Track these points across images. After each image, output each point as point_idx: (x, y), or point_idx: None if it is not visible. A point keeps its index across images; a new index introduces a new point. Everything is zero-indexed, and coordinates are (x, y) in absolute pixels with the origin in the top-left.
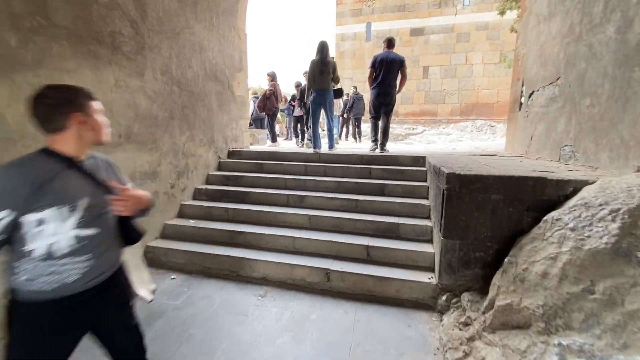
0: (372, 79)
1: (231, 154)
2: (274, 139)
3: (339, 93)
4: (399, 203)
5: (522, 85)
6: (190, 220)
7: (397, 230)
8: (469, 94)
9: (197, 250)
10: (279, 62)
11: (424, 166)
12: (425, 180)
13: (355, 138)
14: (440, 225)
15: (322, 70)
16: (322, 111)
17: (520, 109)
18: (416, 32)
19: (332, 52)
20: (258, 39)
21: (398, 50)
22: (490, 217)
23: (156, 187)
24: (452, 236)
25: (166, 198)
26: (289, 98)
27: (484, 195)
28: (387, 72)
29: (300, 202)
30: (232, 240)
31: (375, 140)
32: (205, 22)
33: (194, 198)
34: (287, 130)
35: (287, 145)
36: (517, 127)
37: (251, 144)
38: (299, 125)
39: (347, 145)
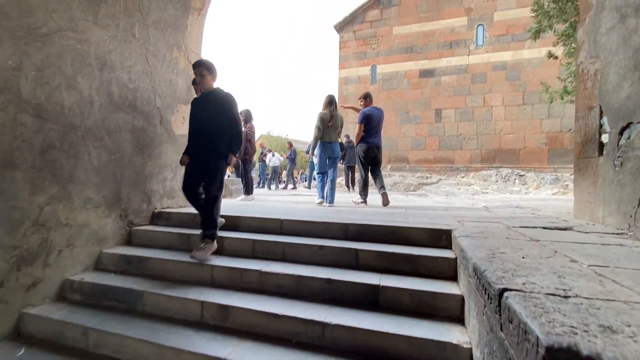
0: (361, 135)
1: (156, 218)
2: (248, 190)
3: (341, 146)
4: (408, 337)
5: (601, 116)
6: (18, 351)
7: None
8: (490, 139)
9: None
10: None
11: (450, 247)
12: (455, 278)
13: (348, 187)
14: None
15: (331, 124)
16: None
17: (601, 153)
18: (426, 73)
19: (335, 96)
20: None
21: (407, 93)
22: None
23: None
24: None
25: None
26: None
27: None
28: (376, 126)
29: (222, 320)
30: None
31: (365, 196)
32: (116, 30)
33: (59, 298)
34: (289, 178)
35: (272, 198)
36: (598, 183)
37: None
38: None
39: (338, 198)
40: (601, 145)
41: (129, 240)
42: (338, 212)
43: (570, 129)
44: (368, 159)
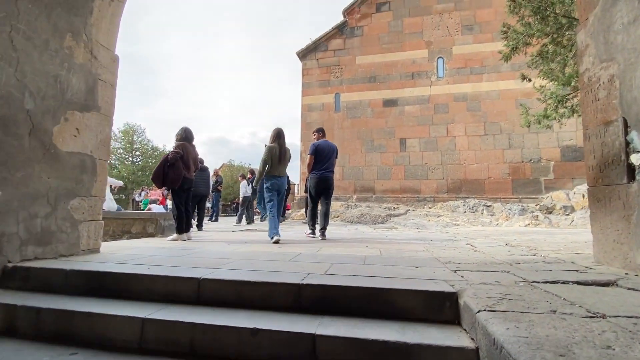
0: (312, 166)
1: (7, 277)
2: (180, 228)
3: (287, 180)
4: None
5: (626, 132)
6: None
7: None
8: (455, 169)
9: None
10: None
11: (458, 321)
12: None
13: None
14: None
15: (281, 158)
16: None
17: (633, 179)
18: (389, 103)
19: (298, 123)
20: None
21: (371, 121)
22: None
23: None
24: None
25: None
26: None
27: None
28: (327, 158)
29: None
30: None
31: (314, 227)
32: None
33: None
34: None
35: (217, 235)
36: (633, 217)
37: (151, 236)
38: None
39: (289, 235)
40: (631, 169)
41: None
42: (292, 259)
43: (531, 159)
44: (318, 189)
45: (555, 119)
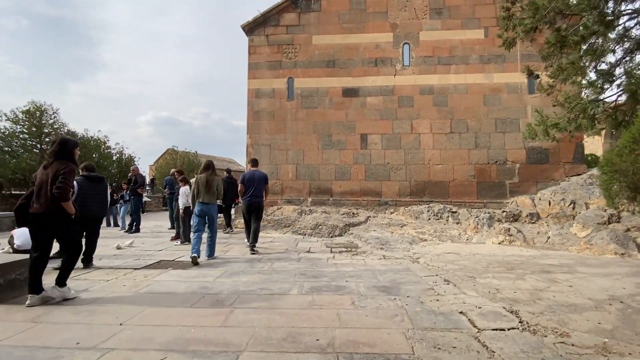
0: (243, 193)
1: None
2: (33, 286)
3: (219, 209)
4: None
5: None
6: None
7: None
8: (419, 170)
9: None
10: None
11: None
12: None
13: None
14: None
15: (208, 187)
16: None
17: None
18: (350, 92)
19: (244, 111)
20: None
21: (329, 113)
22: None
23: None
24: None
25: None
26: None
27: None
28: (254, 187)
29: None
30: None
31: (253, 245)
32: None
33: None
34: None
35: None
36: None
37: None
38: None
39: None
40: None
41: None
42: None
43: (497, 161)
44: (249, 211)
45: (566, 129)
